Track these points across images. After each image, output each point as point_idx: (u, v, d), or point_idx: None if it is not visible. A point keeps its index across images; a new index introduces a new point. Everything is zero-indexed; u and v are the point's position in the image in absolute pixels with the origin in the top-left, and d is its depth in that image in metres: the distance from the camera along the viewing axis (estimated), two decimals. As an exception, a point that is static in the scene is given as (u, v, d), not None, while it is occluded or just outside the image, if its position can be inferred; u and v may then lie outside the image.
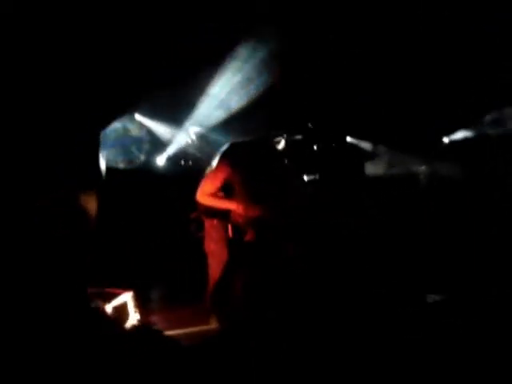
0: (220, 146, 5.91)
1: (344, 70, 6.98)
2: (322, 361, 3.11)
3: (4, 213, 4.69)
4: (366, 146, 7.43)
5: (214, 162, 3.73)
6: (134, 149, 6.22)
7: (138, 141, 6.30)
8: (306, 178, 6.11)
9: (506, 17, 6.23)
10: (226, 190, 3.61)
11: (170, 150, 6.51)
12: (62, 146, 5.51)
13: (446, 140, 7.45)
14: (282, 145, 6.15)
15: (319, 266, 4.05)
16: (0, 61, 5.12)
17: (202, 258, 3.94)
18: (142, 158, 6.20)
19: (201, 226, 4.03)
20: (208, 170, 3.76)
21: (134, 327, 3.76)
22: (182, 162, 6.37)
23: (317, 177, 6.05)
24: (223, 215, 3.57)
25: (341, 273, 4.34)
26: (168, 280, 4.77)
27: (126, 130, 6.32)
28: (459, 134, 7.40)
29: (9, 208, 4.77)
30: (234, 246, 3.60)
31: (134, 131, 6.30)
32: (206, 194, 3.56)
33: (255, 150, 3.78)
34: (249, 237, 3.48)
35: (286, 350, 3.17)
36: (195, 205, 3.70)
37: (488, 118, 6.92)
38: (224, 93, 6.80)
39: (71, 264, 4.44)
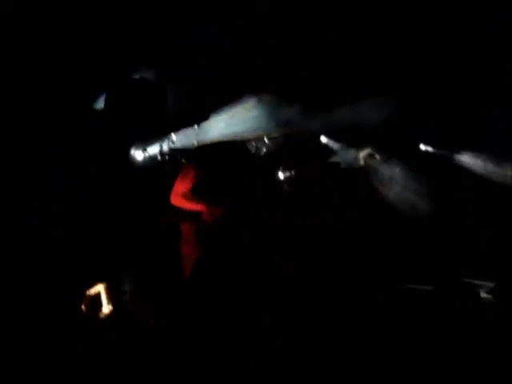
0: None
1: (325, 68, 7.01)
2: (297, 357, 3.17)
3: (4, 212, 4.77)
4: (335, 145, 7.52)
5: (185, 164, 3.77)
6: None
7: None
8: (281, 175, 6.20)
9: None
10: (198, 191, 3.64)
11: (148, 145, 6.58)
12: (61, 146, 5.58)
13: (422, 147, 7.49)
14: (262, 144, 6.26)
15: (303, 264, 4.11)
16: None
17: (175, 251, 3.95)
18: None
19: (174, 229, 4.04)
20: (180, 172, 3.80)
21: (108, 318, 3.82)
22: (159, 157, 6.44)
23: (293, 174, 6.12)
24: (196, 216, 3.62)
25: (324, 272, 4.41)
26: (141, 273, 4.81)
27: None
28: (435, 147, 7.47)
29: (9, 208, 4.84)
30: (207, 246, 3.63)
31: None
32: (178, 195, 3.62)
33: (222, 150, 3.82)
34: (220, 236, 3.54)
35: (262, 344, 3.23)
36: (169, 206, 3.75)
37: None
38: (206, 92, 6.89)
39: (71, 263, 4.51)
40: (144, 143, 6.49)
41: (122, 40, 6.30)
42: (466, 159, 7.27)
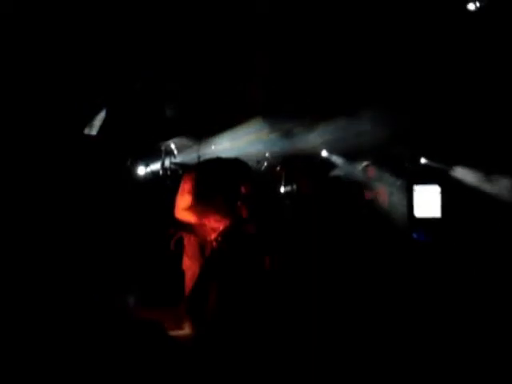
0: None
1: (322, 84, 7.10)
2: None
3: (8, 212, 4.80)
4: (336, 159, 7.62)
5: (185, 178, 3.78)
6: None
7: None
8: (282, 189, 6.26)
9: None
10: (200, 205, 3.67)
11: (151, 161, 6.66)
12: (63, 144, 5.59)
13: (423, 161, 7.54)
14: (264, 159, 6.30)
15: (299, 278, 4.12)
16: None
17: (177, 264, 3.97)
18: None
19: (179, 242, 4.08)
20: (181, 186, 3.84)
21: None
22: (161, 172, 6.51)
23: (294, 187, 6.18)
24: (199, 229, 3.65)
25: (324, 284, 4.43)
26: (142, 284, 4.84)
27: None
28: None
29: (12, 207, 4.87)
30: (207, 259, 3.65)
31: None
32: (181, 208, 3.65)
33: (223, 165, 3.85)
34: (222, 249, 3.56)
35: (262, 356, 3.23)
36: (174, 219, 3.77)
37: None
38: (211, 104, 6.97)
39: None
40: (146, 158, 6.56)
41: (126, 51, 6.34)
42: (464, 172, 7.33)
